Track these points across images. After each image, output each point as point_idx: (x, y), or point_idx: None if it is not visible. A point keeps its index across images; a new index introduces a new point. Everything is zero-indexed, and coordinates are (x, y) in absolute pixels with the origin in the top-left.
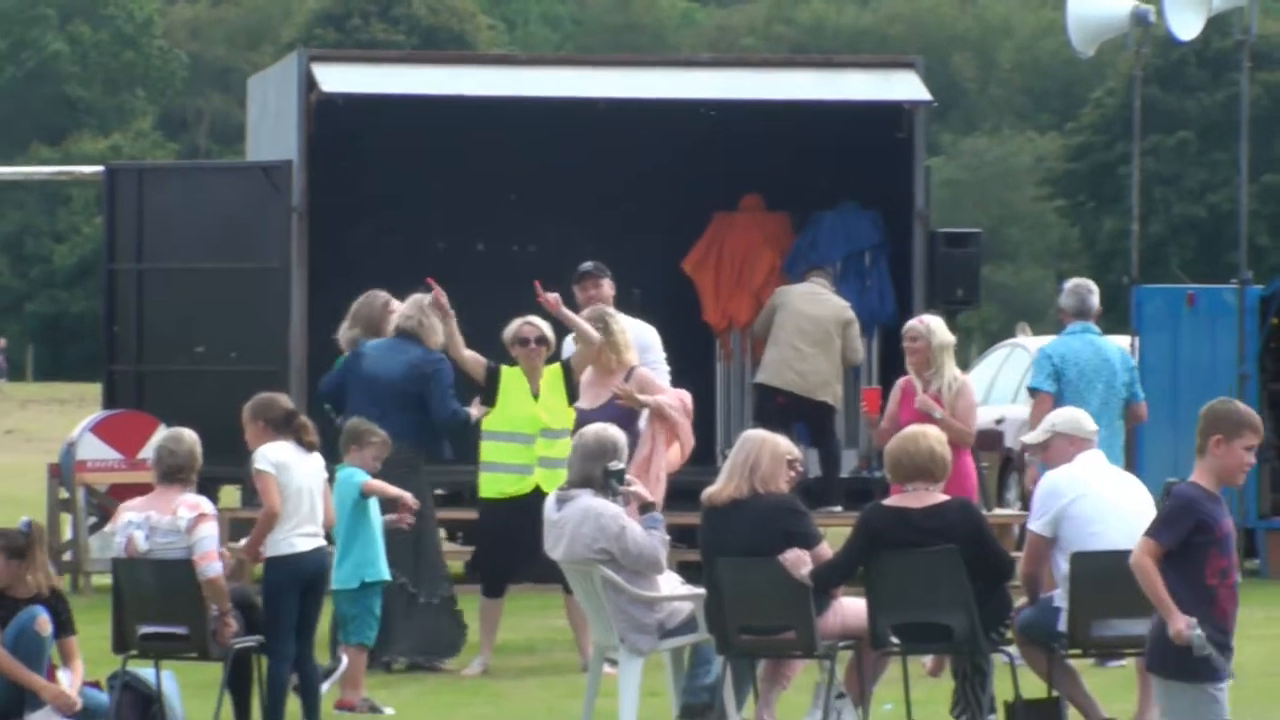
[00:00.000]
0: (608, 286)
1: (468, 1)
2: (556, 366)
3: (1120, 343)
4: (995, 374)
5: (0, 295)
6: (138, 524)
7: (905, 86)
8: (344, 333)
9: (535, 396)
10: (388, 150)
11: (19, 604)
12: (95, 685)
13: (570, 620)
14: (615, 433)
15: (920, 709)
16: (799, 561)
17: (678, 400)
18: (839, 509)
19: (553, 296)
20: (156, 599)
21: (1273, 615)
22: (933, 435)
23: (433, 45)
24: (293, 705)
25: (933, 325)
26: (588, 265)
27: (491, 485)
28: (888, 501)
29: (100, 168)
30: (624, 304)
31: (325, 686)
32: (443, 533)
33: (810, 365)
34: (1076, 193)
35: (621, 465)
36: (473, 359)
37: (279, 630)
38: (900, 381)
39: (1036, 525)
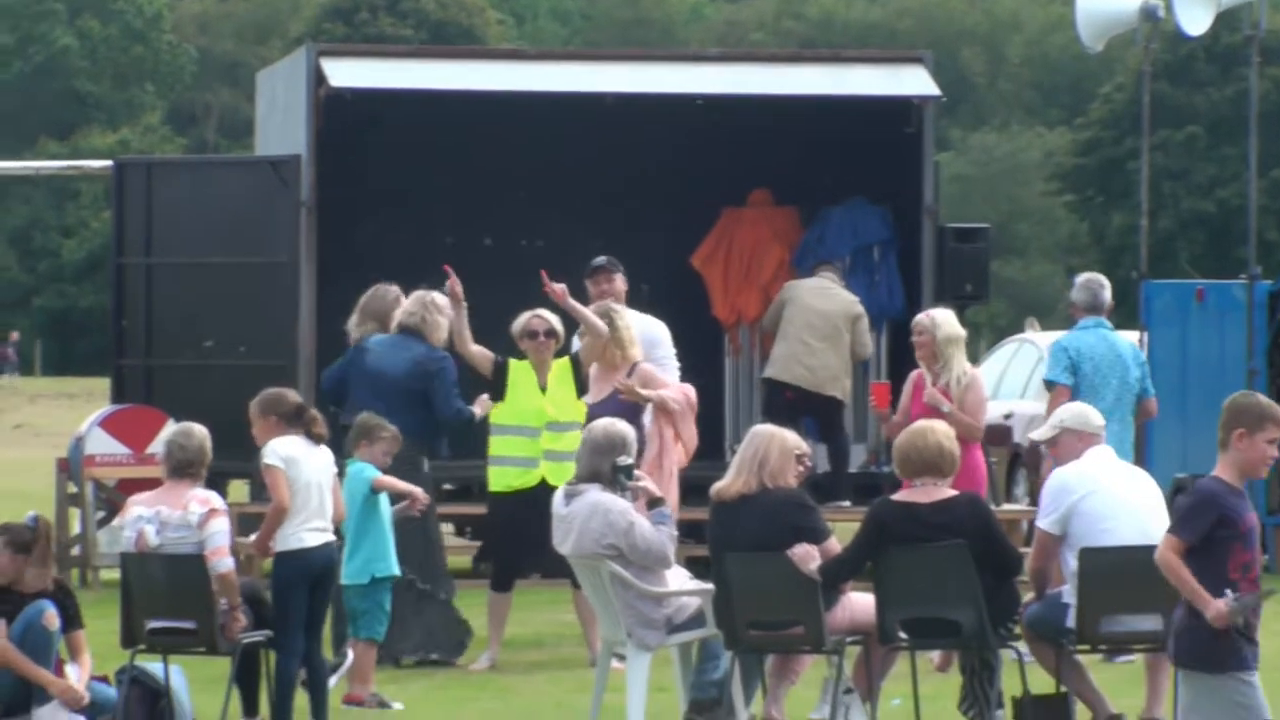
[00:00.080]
0: (620, 281)
1: None
2: (565, 360)
3: (1129, 338)
4: (1004, 369)
5: (9, 290)
6: (148, 519)
7: (914, 81)
8: (354, 327)
9: (543, 390)
10: (396, 145)
11: (25, 599)
12: (103, 680)
13: (579, 615)
14: (624, 427)
15: (928, 704)
16: (807, 556)
17: (681, 394)
18: (847, 504)
19: (559, 287)
20: (165, 594)
21: None
22: (941, 430)
23: (441, 40)
24: (300, 700)
25: (938, 318)
26: (600, 260)
27: (499, 479)
28: (896, 496)
29: (109, 162)
30: (633, 299)
31: (332, 682)
32: (451, 528)
33: (819, 360)
34: (1085, 188)
35: (631, 460)
36: (480, 354)
37: (287, 625)
38: (913, 375)
39: (1045, 523)
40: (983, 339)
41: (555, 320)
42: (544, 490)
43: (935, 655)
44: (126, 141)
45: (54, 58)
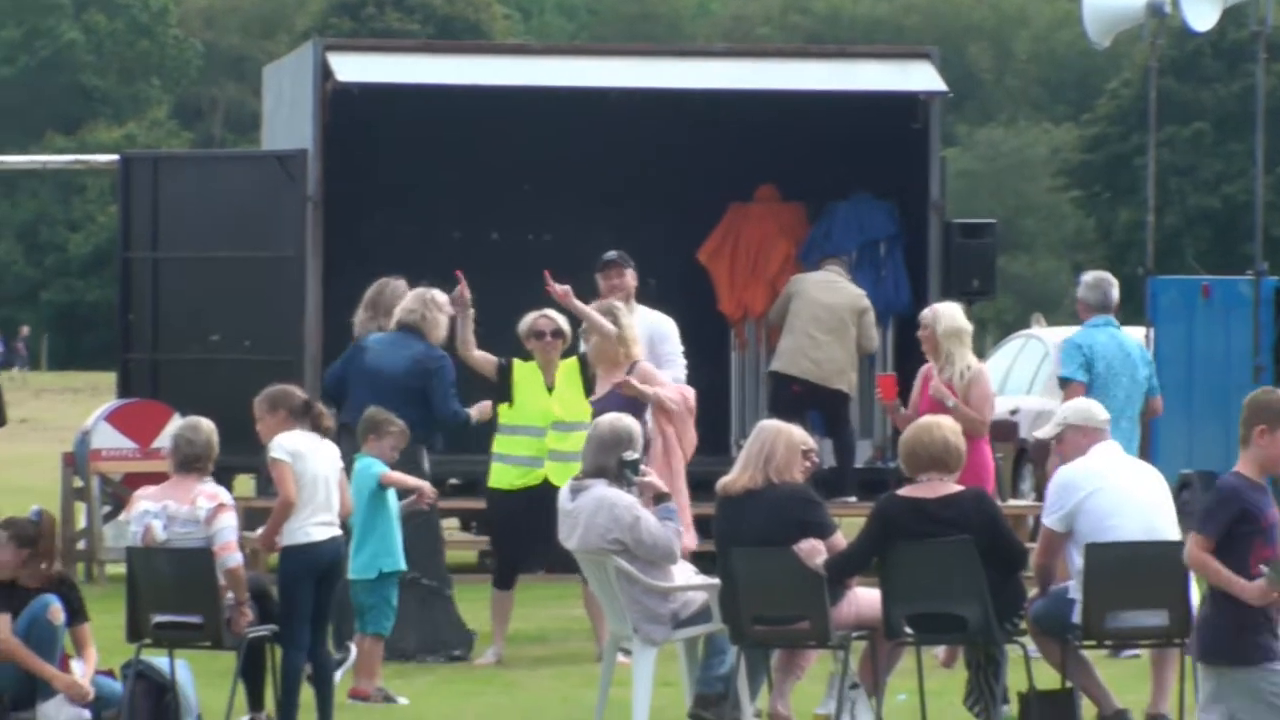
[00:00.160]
0: (630, 276)
1: None
2: (573, 360)
3: (1136, 335)
4: (1010, 365)
5: (15, 284)
6: (154, 513)
7: (921, 77)
8: (362, 321)
9: (550, 389)
10: (403, 139)
11: (30, 593)
12: (109, 674)
13: (588, 610)
14: (630, 423)
15: (934, 699)
16: (813, 551)
17: (679, 395)
18: (853, 499)
19: (562, 288)
20: (171, 588)
21: None
22: (947, 426)
23: (448, 35)
24: (306, 695)
25: (940, 312)
26: (612, 254)
27: (500, 476)
28: (902, 491)
29: (115, 156)
30: (639, 294)
31: (337, 677)
32: (457, 522)
33: (825, 353)
34: (1092, 184)
35: (636, 455)
36: (483, 359)
37: (294, 620)
38: (923, 369)
39: (1050, 520)
40: (989, 334)
41: (562, 320)
42: (547, 490)
43: (940, 650)
44: (133, 136)
45: (60, 52)
